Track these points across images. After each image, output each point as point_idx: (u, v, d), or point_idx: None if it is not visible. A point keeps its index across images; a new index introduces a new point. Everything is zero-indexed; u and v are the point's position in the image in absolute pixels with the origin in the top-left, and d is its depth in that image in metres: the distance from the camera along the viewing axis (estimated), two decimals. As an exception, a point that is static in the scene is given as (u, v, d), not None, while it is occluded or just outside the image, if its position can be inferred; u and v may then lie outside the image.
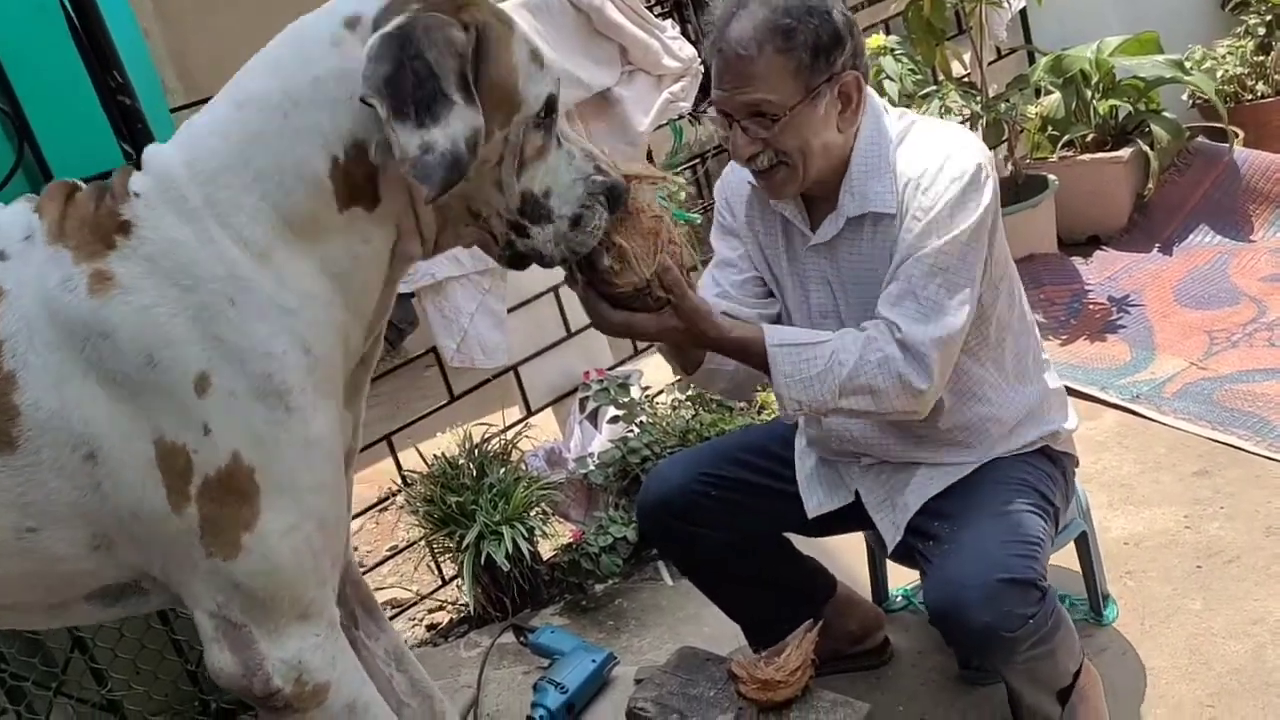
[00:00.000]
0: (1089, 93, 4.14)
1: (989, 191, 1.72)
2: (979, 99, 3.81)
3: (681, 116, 3.16)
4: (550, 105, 1.38)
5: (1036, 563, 1.70)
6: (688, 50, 3.07)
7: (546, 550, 2.94)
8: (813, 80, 1.67)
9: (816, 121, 1.70)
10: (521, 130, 1.36)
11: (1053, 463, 1.94)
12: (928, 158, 1.73)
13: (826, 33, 1.66)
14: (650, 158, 3.20)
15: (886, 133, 1.78)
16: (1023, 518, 1.77)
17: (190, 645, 1.90)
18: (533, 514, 2.74)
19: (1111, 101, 4.14)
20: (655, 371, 3.48)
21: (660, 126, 3.08)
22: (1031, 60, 4.46)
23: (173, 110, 2.57)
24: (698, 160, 3.44)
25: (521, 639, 2.59)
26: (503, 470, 2.80)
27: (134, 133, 1.65)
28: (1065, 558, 2.25)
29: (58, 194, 1.31)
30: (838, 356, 1.70)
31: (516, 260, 1.45)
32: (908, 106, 3.63)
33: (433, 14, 1.22)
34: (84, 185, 1.34)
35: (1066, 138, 4.23)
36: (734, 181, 1.96)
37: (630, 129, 2.97)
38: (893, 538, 1.90)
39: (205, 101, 2.51)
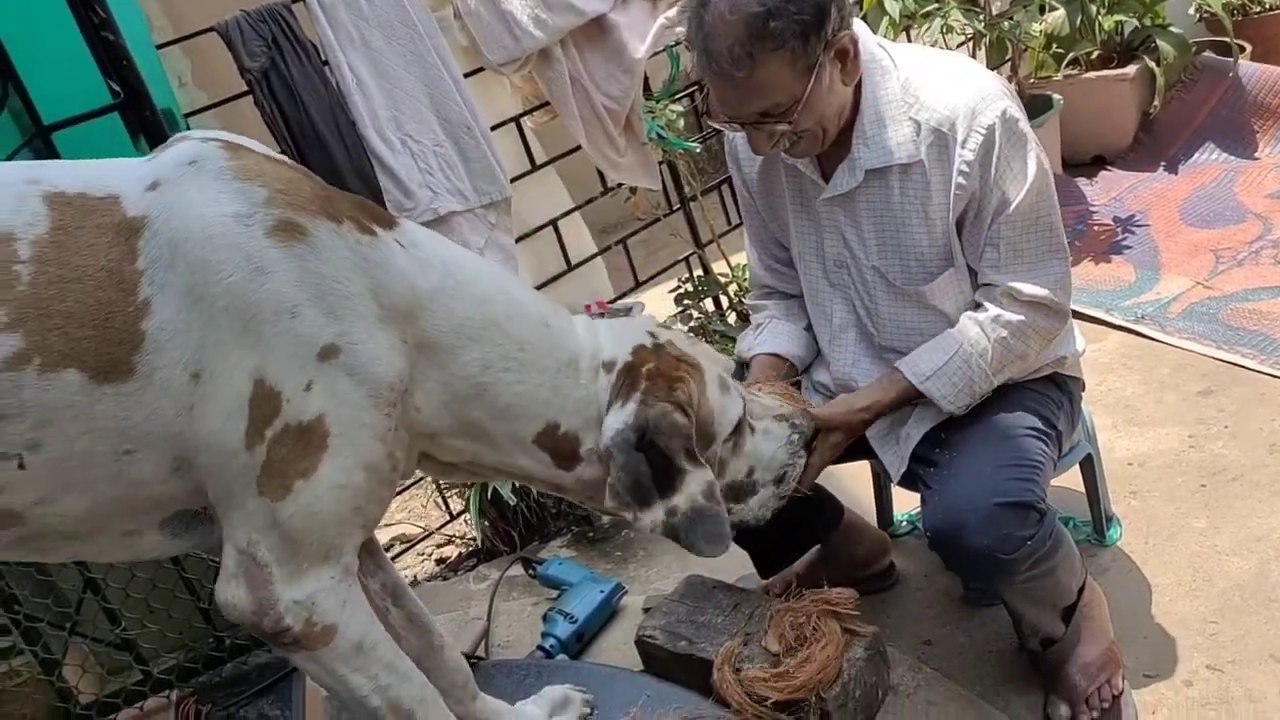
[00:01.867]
0: (1094, 8, 4.06)
1: (1026, 124, 1.72)
2: (982, 17, 3.73)
3: (678, 43, 3.09)
4: (740, 423, 1.64)
5: (1035, 485, 1.71)
6: (683, -27, 2.99)
7: (553, 483, 2.94)
8: (810, 60, 1.62)
9: (824, 92, 1.67)
10: (719, 448, 1.62)
11: (1058, 387, 1.94)
12: (949, 102, 1.70)
13: (809, 12, 1.59)
14: (646, 85, 3.14)
15: (890, 74, 1.74)
16: (1022, 441, 1.78)
17: (201, 584, 1.92)
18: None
19: (1117, 17, 4.07)
20: (656, 303, 3.46)
21: (657, 53, 3.01)
22: (1036, -25, 4.36)
23: (165, 45, 2.53)
24: (695, 87, 3.38)
25: (530, 571, 2.62)
26: (507, 405, 2.79)
27: (119, 70, 1.62)
28: (1070, 479, 2.25)
29: (259, 153, 1.37)
30: (975, 350, 1.77)
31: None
32: (908, 25, 3.56)
33: (659, 405, 1.50)
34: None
35: (1071, 55, 4.16)
36: (737, 141, 1.94)
37: (626, 56, 2.90)
38: (897, 469, 1.90)
39: (191, 37, 2.48)
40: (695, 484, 1.52)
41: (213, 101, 2.61)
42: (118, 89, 1.66)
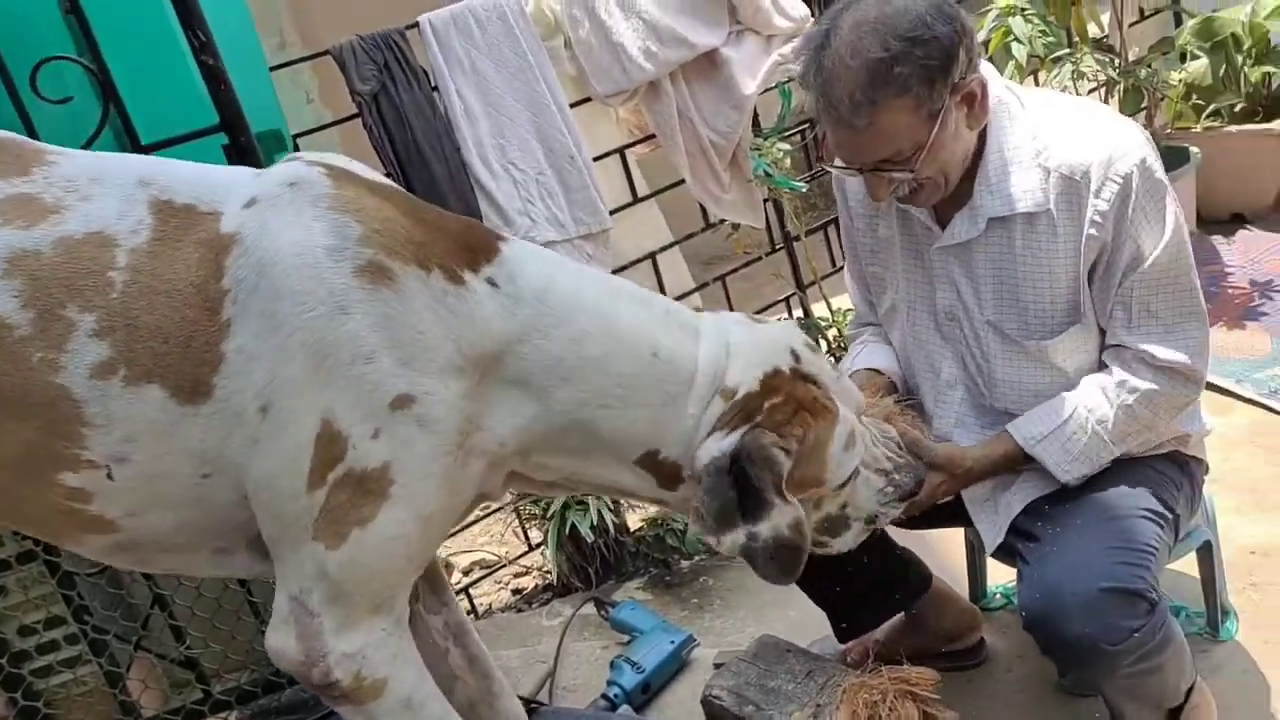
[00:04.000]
0: (1240, 58, 3.85)
1: (1163, 175, 1.62)
2: (1116, 63, 3.55)
3: (790, 79, 3.02)
4: (853, 475, 1.58)
5: (1147, 572, 1.58)
6: (800, 9, 2.92)
7: (634, 522, 2.90)
8: (936, 106, 1.54)
9: (948, 139, 1.58)
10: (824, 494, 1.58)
11: (1179, 467, 1.80)
12: (1083, 151, 1.60)
13: (936, 56, 1.51)
14: (756, 122, 3.08)
15: (1019, 120, 1.65)
16: (1134, 523, 1.65)
17: (265, 608, 1.92)
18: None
19: (1265, 68, 3.84)
20: (754, 343, 3.39)
21: (768, 90, 2.95)
22: (1178, 22, 4.17)
23: (280, 66, 2.59)
24: (806, 125, 3.31)
25: (603, 612, 2.57)
26: (592, 439, 2.76)
27: (216, 94, 1.64)
28: (1185, 565, 2.09)
29: (364, 184, 1.36)
30: (1094, 416, 1.68)
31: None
32: (1036, 70, 3.42)
33: (760, 433, 1.43)
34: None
35: (1213, 107, 3.95)
36: (845, 178, 1.87)
37: (736, 91, 2.85)
38: (993, 539, 1.79)
39: (307, 59, 2.53)
40: (782, 517, 1.45)
41: (336, 119, 2.66)
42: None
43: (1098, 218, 1.60)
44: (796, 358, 1.52)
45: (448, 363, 1.28)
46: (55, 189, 1.22)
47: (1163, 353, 1.65)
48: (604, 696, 2.22)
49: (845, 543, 1.67)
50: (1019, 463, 1.74)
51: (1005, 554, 1.81)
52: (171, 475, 1.25)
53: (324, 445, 1.24)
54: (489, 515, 3.15)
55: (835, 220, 3.37)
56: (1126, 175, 1.58)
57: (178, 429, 1.23)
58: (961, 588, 2.31)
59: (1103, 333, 1.71)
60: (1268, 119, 3.90)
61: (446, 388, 1.28)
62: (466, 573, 3.08)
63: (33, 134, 1.58)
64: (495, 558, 3.13)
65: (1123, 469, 1.73)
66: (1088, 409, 1.68)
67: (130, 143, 1.64)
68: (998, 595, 2.38)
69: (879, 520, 1.68)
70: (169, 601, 1.85)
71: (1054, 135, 1.63)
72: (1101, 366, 1.72)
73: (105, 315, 1.18)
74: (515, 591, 2.98)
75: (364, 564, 1.28)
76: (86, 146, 1.58)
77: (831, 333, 3.21)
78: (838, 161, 1.66)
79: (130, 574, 1.85)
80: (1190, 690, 1.77)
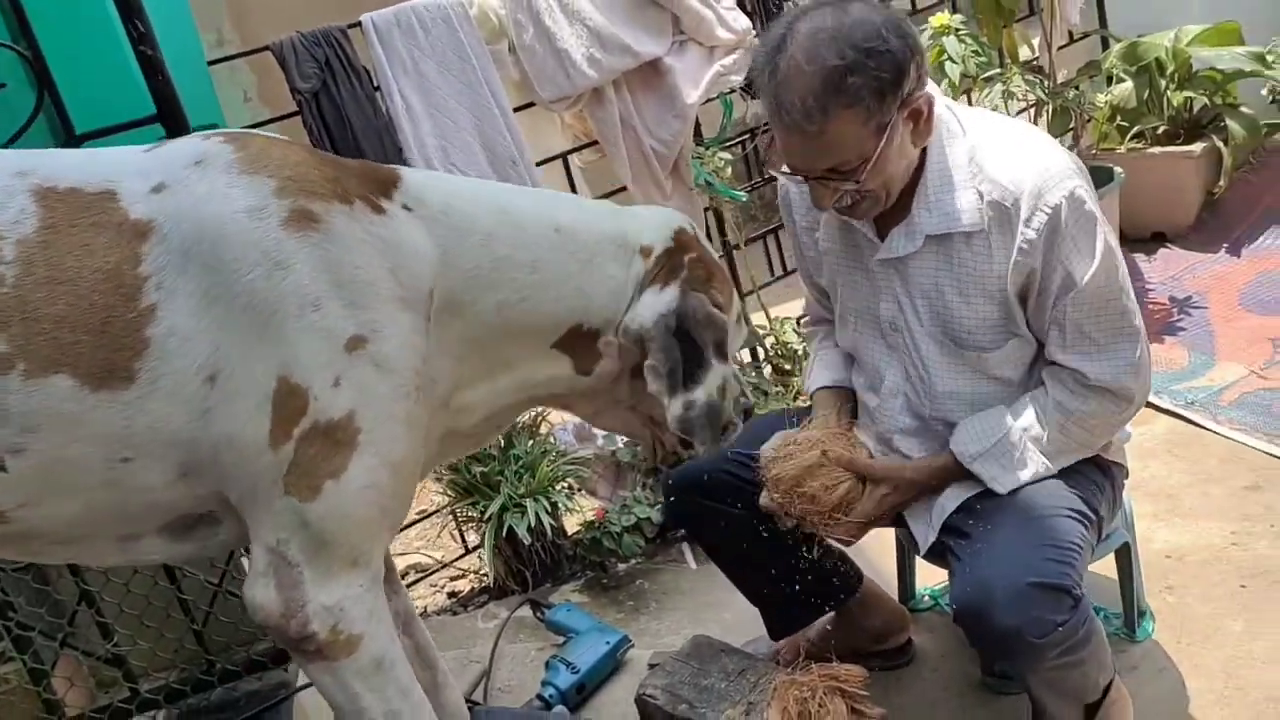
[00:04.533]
0: (1163, 83, 3.98)
1: (1094, 204, 1.66)
2: (1046, 85, 3.66)
3: (732, 90, 3.07)
4: (731, 354, 1.64)
5: (1072, 569, 1.63)
6: (742, 21, 2.97)
7: (571, 525, 2.90)
8: (884, 119, 1.57)
9: (894, 153, 1.62)
10: None
11: (1102, 471, 1.85)
12: (1015, 177, 1.64)
13: (889, 70, 1.54)
14: (698, 131, 3.12)
15: (957, 139, 1.69)
16: (1061, 522, 1.70)
17: (196, 605, 1.89)
18: (558, 488, 2.71)
19: (1186, 93, 3.97)
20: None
21: (710, 100, 3.00)
22: (1105, 46, 4.30)
23: (219, 61, 2.56)
24: (747, 135, 3.35)
25: (538, 614, 2.57)
26: (530, 443, 2.76)
27: (153, 84, 1.62)
28: (1103, 567, 2.16)
29: (263, 139, 1.35)
30: (1029, 434, 1.72)
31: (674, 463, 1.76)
32: (968, 90, 3.51)
33: (697, 296, 1.51)
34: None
35: (1136, 129, 4.07)
36: (790, 187, 1.89)
37: (679, 101, 2.89)
38: (926, 538, 1.83)
39: (246, 55, 2.51)
40: (715, 379, 1.52)
41: (273, 116, 2.64)
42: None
43: (1025, 245, 1.64)
44: (693, 226, 1.61)
45: (390, 295, 1.29)
46: None
47: (1096, 372, 1.69)
48: (539, 697, 2.22)
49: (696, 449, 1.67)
50: (960, 477, 1.78)
51: (935, 555, 1.84)
52: (78, 462, 1.22)
53: (284, 401, 1.24)
54: (425, 519, 3.14)
55: (775, 230, 3.44)
56: (1055, 206, 1.62)
57: (90, 416, 1.20)
58: (891, 589, 2.35)
59: (1042, 345, 1.76)
60: (1188, 141, 4.04)
61: (395, 321, 1.29)
62: (402, 576, 3.05)
63: (-37, 120, 1.56)
64: (431, 560, 3.11)
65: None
66: (1023, 428, 1.72)
67: (64, 131, 1.62)
68: (925, 597, 2.42)
69: (728, 433, 1.67)
70: (96, 598, 1.81)
71: (989, 159, 1.67)
72: (1039, 381, 1.77)
73: None
74: (451, 595, 2.96)
75: (343, 515, 1.28)
76: (20, 134, 1.56)
77: (769, 340, 3.25)
78: (784, 168, 1.69)
79: (57, 570, 1.82)
80: (1109, 687, 1.82)
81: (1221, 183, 4.00)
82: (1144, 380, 1.74)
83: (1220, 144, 3.93)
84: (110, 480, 1.25)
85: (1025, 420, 1.72)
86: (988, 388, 1.78)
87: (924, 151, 1.69)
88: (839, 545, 2.12)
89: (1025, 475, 1.73)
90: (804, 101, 1.54)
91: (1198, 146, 4.00)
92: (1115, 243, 1.70)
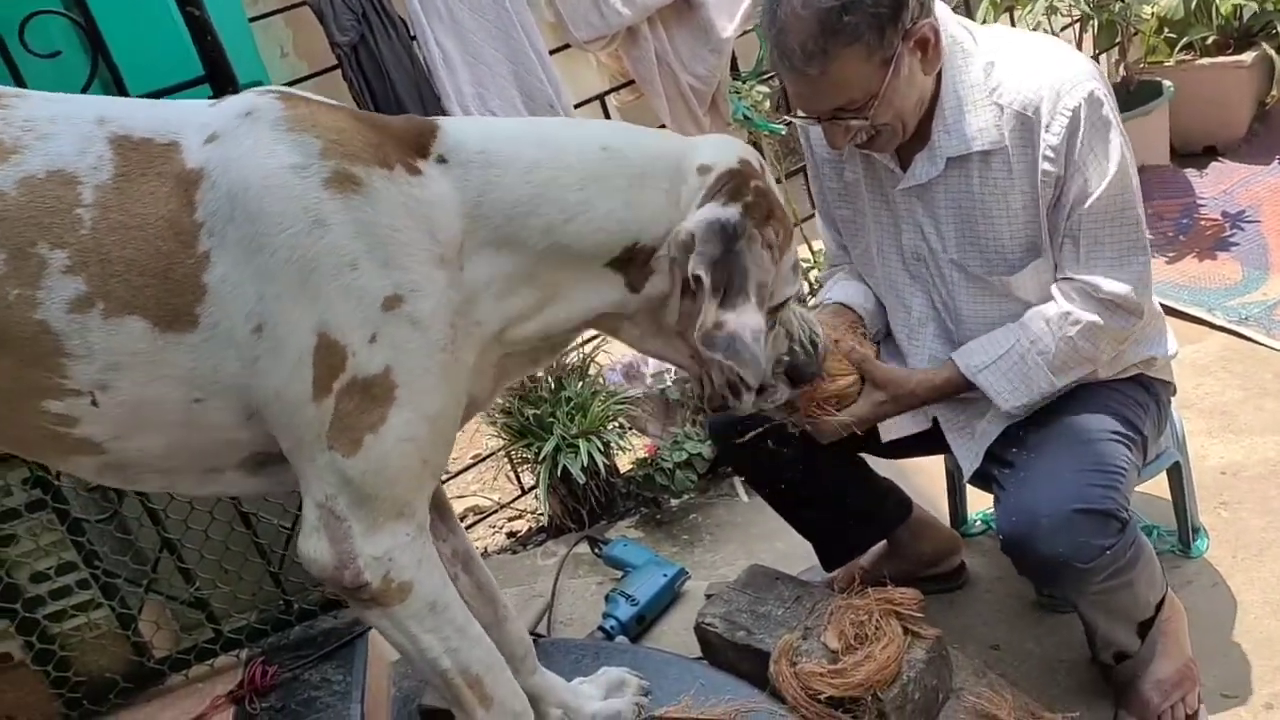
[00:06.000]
0: (1212, -10, 3.86)
1: (1113, 110, 1.64)
2: (1090, -1, 3.58)
3: (768, 21, 3.03)
4: (782, 307, 1.59)
5: (1116, 493, 1.64)
6: (776, -50, 2.93)
7: (624, 464, 2.96)
8: (888, 53, 1.57)
9: (902, 85, 1.61)
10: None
11: (1145, 390, 1.85)
12: (1033, 86, 1.63)
13: (886, 4, 1.53)
14: (735, 65, 3.09)
15: (973, 58, 1.68)
16: (1105, 446, 1.71)
17: (271, 549, 1.96)
18: (609, 428, 2.75)
19: (1235, 1, 3.85)
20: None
21: (745, 32, 2.97)
22: (1151, -45, 4.17)
23: (259, 18, 2.59)
24: (785, 67, 3.32)
25: (596, 550, 2.63)
26: (580, 384, 2.81)
27: (201, 45, 1.65)
28: (1158, 486, 2.17)
29: (312, 101, 1.38)
30: (1036, 348, 1.71)
31: (719, 408, 1.64)
32: (1010, 7, 3.44)
33: (755, 226, 1.45)
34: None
35: (1185, 40, 3.97)
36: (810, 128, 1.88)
37: (714, 35, 2.86)
38: (970, 464, 1.85)
39: (285, 10, 2.53)
40: (749, 317, 1.44)
41: (311, 71, 2.67)
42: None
43: (1050, 153, 1.63)
44: (759, 159, 1.55)
45: (427, 255, 1.32)
46: (13, 130, 1.23)
47: (1108, 285, 1.68)
48: (601, 629, 2.28)
49: (750, 396, 1.59)
50: (962, 389, 1.78)
51: (982, 481, 1.87)
52: (159, 401, 1.29)
53: (323, 356, 1.27)
54: (481, 462, 3.21)
55: (815, 162, 3.41)
56: (1074, 108, 1.60)
57: (162, 357, 1.26)
58: (943, 515, 2.38)
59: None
60: (1239, 51, 3.93)
61: (430, 280, 1.32)
62: (461, 518, 3.12)
63: (22, 87, 1.60)
64: (489, 502, 3.18)
65: (1092, 394, 1.79)
66: (1030, 340, 1.72)
67: (119, 95, 1.66)
68: (977, 522, 2.45)
69: (767, 394, 1.64)
70: (177, 545, 1.89)
71: (1006, 72, 1.65)
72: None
73: (77, 251, 1.21)
74: (510, 535, 3.04)
75: (382, 468, 1.31)
76: (77, 100, 1.61)
77: (814, 274, 3.25)
78: (798, 112, 1.69)
79: (138, 520, 1.89)
80: (1161, 603, 1.83)
81: (1274, 92, 3.90)
82: (1149, 294, 1.74)
83: (1272, 52, 3.83)
84: (188, 419, 1.31)
85: (1032, 333, 1.72)
86: (1015, 309, 1.77)
87: (939, 75, 1.68)
88: (882, 478, 2.16)
89: (1028, 393, 1.73)
90: (803, 46, 1.54)
91: (1248, 56, 3.89)
92: (1129, 151, 1.67)
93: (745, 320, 1.43)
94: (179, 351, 1.27)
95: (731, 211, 1.43)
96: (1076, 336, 1.70)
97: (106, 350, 1.24)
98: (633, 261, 1.46)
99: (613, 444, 2.78)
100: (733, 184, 1.45)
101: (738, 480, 2.86)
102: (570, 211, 1.40)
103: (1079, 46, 3.83)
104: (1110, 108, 1.64)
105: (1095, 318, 1.69)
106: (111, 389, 1.27)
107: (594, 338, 3.02)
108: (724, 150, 1.50)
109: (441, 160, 1.37)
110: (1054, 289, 1.73)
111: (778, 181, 3.34)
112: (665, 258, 1.45)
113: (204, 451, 1.37)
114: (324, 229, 1.26)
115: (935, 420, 1.90)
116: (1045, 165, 1.64)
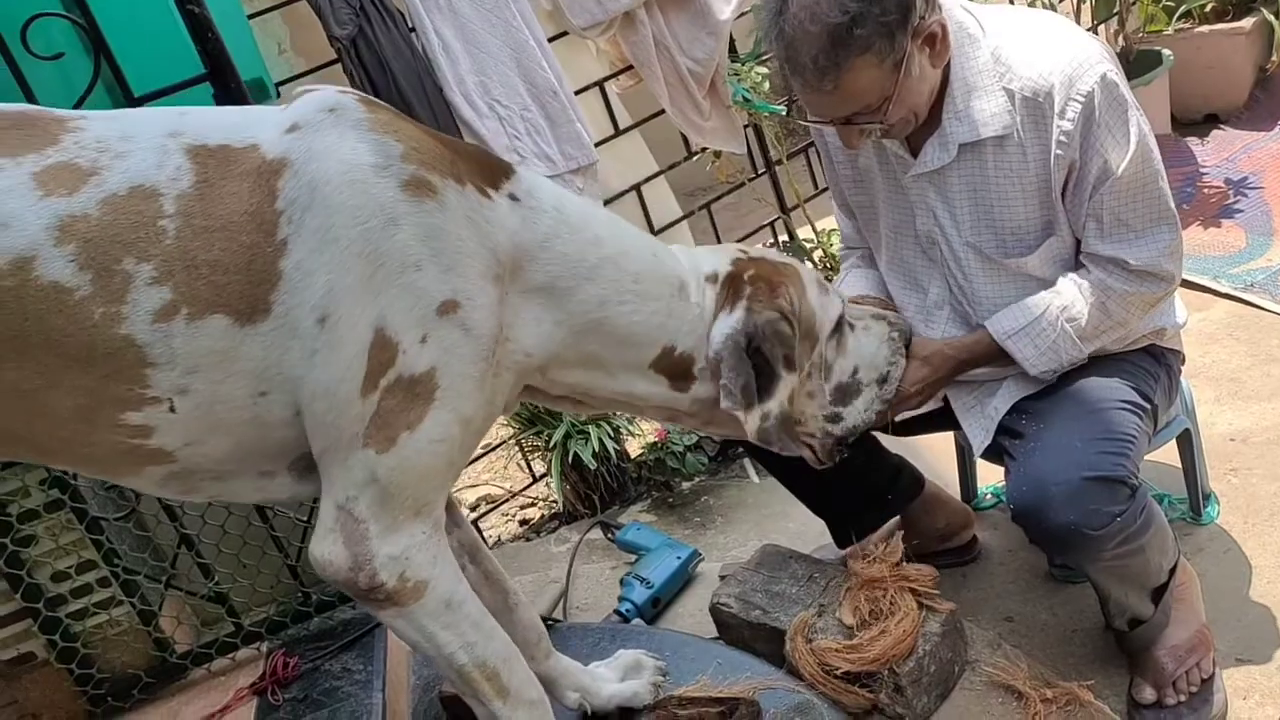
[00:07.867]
0: (1210, -43, 3.85)
1: (1125, 87, 1.64)
2: (1087, -31, 3.56)
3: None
4: (841, 320, 1.71)
5: (1127, 460, 1.65)
6: (772, -70, 2.92)
7: (634, 448, 2.97)
8: (898, 56, 1.57)
9: (914, 83, 1.61)
10: (823, 347, 1.69)
11: (1155, 359, 1.86)
12: (1043, 71, 1.63)
13: (894, 10, 1.53)
14: (733, 48, 3.09)
15: (979, 43, 1.67)
16: (1114, 414, 1.71)
17: (289, 541, 1.98)
18: (619, 413, 2.76)
19: (1234, -34, 3.84)
20: (741, 268, 3.42)
21: (743, 14, 2.96)
22: (1148, -77, 4.15)
23: (257, 14, 2.59)
24: (784, 48, 3.31)
25: (609, 535, 2.65)
26: (588, 370, 2.81)
27: (202, 42, 1.66)
28: (1168, 455, 2.17)
29: (392, 110, 1.43)
30: (1066, 314, 1.72)
31: (837, 451, 1.77)
32: (1009, -20, 3.42)
33: (764, 311, 1.58)
34: None
35: (1184, 8, 3.95)
36: None
37: (711, 18, 2.86)
38: (981, 442, 1.85)
39: (284, 5, 2.53)
40: (785, 389, 1.60)
41: (310, 68, 2.67)
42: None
43: (1063, 138, 1.63)
44: (745, 251, 1.68)
45: (485, 270, 1.36)
46: (89, 152, 1.25)
47: (1137, 258, 1.69)
48: (616, 612, 2.30)
49: (857, 412, 1.74)
50: (995, 355, 1.79)
51: (993, 454, 1.87)
52: (230, 399, 1.31)
53: (376, 352, 1.30)
54: (492, 451, 3.22)
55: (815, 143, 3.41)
56: (1088, 94, 1.60)
57: (238, 351, 1.28)
58: (954, 490, 2.39)
59: (1078, 240, 1.75)
60: (1237, 17, 3.92)
61: (485, 293, 1.36)
62: (474, 508, 3.15)
63: (27, 91, 1.61)
64: (501, 491, 3.20)
65: (1102, 364, 1.79)
66: (1061, 307, 1.72)
67: (123, 95, 1.67)
68: (988, 495, 2.46)
69: (889, 377, 1.76)
70: (195, 541, 1.91)
71: (1015, 56, 1.65)
72: (1078, 267, 1.77)
73: (162, 262, 1.23)
74: (523, 523, 3.05)
75: (411, 466, 1.34)
76: (80, 101, 1.61)
77: (817, 254, 3.26)
78: (811, 116, 1.70)
79: (155, 516, 1.91)
80: (1173, 569, 1.84)
81: (1275, 58, 3.89)
82: (1180, 261, 1.75)
83: (1271, 17, 3.81)
84: (253, 416, 1.33)
85: (1064, 299, 1.73)
86: (1030, 288, 1.78)
87: (947, 62, 1.68)
88: (893, 454, 2.16)
89: (1057, 359, 1.74)
90: (815, 61, 1.55)
91: (1248, 22, 3.88)
92: (1148, 126, 1.68)
93: (783, 396, 1.60)
94: (253, 342, 1.29)
95: (737, 317, 1.57)
96: (1110, 303, 1.71)
97: (188, 354, 1.26)
98: (675, 366, 1.57)
99: (623, 429, 2.79)
100: (733, 286, 1.59)
101: (748, 461, 2.87)
102: (624, 296, 1.50)
103: (1077, 18, 3.81)
104: (1124, 87, 1.64)
105: (1128, 287, 1.70)
106: (190, 393, 1.28)
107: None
108: (719, 255, 1.65)
109: (513, 198, 1.43)
110: (1084, 260, 1.74)
111: (778, 163, 3.34)
112: (707, 370, 1.58)
113: (263, 452, 1.39)
114: (396, 227, 1.30)
115: (945, 398, 1.91)
116: (1058, 150, 1.64)
